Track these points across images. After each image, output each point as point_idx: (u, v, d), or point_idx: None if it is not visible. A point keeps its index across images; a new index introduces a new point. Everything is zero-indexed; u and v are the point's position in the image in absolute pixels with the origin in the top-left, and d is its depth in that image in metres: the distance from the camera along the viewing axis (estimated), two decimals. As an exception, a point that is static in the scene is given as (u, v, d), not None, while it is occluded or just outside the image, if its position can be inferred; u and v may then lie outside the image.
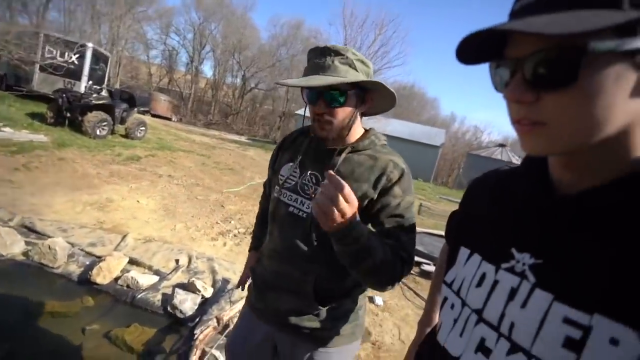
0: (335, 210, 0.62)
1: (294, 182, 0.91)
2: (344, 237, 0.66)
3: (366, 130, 0.94)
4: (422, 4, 66.02)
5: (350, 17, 14.63)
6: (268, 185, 1.12)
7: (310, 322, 0.90)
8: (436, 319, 0.81)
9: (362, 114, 0.93)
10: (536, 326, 0.38)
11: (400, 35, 15.36)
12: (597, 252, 0.37)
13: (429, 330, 0.78)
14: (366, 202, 0.83)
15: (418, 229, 5.93)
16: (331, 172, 0.65)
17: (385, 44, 14.70)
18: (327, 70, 0.80)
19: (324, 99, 0.82)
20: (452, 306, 0.51)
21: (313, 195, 0.88)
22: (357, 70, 0.82)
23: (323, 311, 0.89)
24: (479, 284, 0.47)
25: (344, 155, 0.86)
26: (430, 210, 8.73)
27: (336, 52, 0.81)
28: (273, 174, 1.02)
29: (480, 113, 75.67)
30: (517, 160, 20.76)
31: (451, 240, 0.62)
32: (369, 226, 0.81)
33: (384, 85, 0.85)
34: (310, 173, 0.90)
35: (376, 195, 0.82)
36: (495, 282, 0.45)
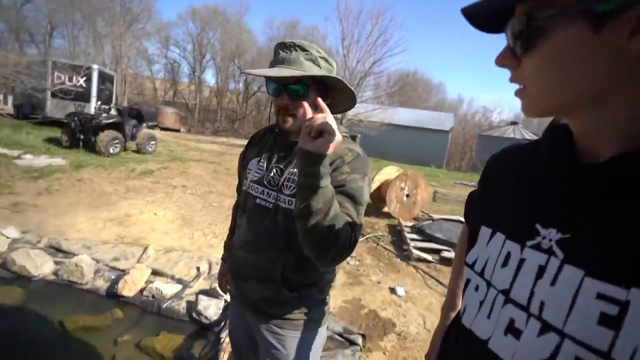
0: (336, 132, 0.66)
1: (260, 175, 0.96)
2: (324, 165, 0.67)
3: None
4: (418, -12, 64.75)
5: (345, 11, 14.47)
6: (239, 185, 1.16)
7: (280, 308, 0.96)
8: (460, 303, 0.80)
9: None
10: (568, 304, 0.37)
11: (397, 23, 15.09)
12: (629, 221, 0.35)
13: (453, 315, 0.77)
14: None
15: (435, 215, 5.85)
16: (320, 100, 0.70)
17: (384, 33, 14.47)
18: (292, 64, 0.84)
19: (287, 91, 0.85)
20: (477, 288, 0.50)
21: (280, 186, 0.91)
22: (320, 67, 0.86)
23: (291, 297, 0.94)
24: (505, 264, 0.45)
25: None
26: (445, 196, 8.61)
27: (301, 48, 0.85)
28: (242, 169, 1.07)
29: (488, 94, 73.84)
30: (530, 137, 20.18)
31: (470, 220, 0.60)
32: None
33: (344, 83, 0.88)
34: (275, 166, 0.95)
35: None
36: (522, 261, 0.43)
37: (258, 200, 0.95)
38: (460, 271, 0.81)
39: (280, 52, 0.86)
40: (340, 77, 0.88)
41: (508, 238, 0.46)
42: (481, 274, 0.49)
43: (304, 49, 0.85)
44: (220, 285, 1.31)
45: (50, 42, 18.62)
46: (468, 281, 0.52)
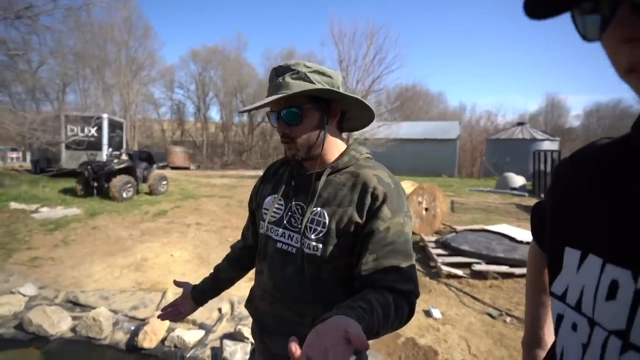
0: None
1: (279, 216, 0.85)
2: None
3: (347, 147, 0.87)
4: (406, 6, 67.05)
5: (340, 34, 14.85)
6: (250, 226, 1.03)
7: None
8: (548, 339, 0.68)
9: (341, 130, 0.88)
10: None
11: (392, 40, 15.31)
12: None
13: (541, 353, 0.66)
14: (353, 226, 0.75)
15: (458, 227, 5.57)
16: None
17: (380, 51, 14.70)
18: (282, 89, 0.76)
19: (282, 118, 0.79)
20: (574, 326, 0.41)
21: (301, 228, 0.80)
22: (312, 82, 0.76)
23: None
24: (611, 296, 0.36)
25: (323, 177, 0.81)
26: (463, 205, 8.34)
27: (287, 69, 0.77)
28: (257, 207, 0.96)
29: (488, 97, 73.82)
30: (540, 136, 19.78)
31: (547, 239, 0.51)
32: (362, 258, 0.73)
33: (340, 93, 0.77)
34: (295, 204, 0.84)
35: (363, 219, 0.75)
36: (638, 293, 0.34)
37: (279, 245, 0.84)
38: (538, 299, 0.70)
39: (270, 81, 0.80)
40: (330, 88, 0.76)
41: (608, 262, 0.38)
42: (577, 309, 0.41)
43: (289, 69, 0.77)
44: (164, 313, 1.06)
45: (64, 98, 19.61)
46: (560, 317, 0.44)
